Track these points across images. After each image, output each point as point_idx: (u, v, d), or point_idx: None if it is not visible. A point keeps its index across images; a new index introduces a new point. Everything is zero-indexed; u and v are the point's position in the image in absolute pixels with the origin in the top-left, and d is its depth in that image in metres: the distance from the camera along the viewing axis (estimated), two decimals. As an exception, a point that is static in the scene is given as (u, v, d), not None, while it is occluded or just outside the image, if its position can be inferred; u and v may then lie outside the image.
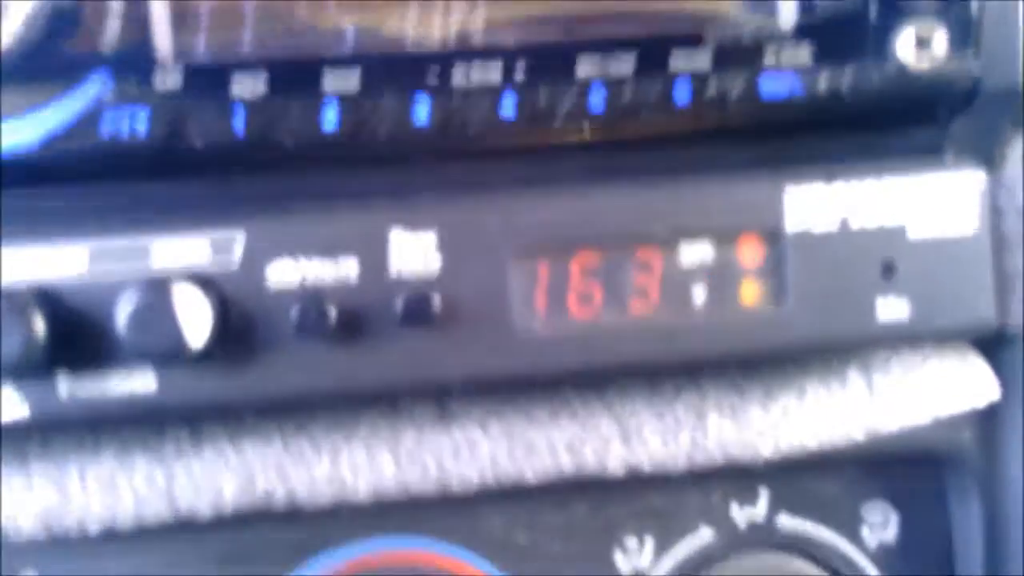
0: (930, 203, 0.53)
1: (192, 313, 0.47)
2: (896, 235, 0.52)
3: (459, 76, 0.49)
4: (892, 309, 0.52)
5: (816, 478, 0.60)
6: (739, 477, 0.59)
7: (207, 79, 0.48)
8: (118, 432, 0.53)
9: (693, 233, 0.52)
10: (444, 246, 0.50)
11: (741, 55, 0.50)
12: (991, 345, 0.56)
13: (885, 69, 0.51)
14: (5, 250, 0.48)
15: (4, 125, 0.47)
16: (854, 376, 0.55)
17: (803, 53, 0.50)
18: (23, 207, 0.49)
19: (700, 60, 0.50)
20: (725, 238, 0.52)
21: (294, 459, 0.52)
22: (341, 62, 0.48)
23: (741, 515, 0.60)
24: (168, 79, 0.47)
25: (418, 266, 0.50)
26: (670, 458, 0.54)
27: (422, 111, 0.49)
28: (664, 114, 0.50)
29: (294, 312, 0.48)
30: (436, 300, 0.49)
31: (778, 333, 0.52)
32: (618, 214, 0.51)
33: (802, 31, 0.51)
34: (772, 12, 0.50)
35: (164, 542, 0.56)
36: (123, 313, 0.47)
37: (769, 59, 0.50)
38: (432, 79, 0.49)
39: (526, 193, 0.51)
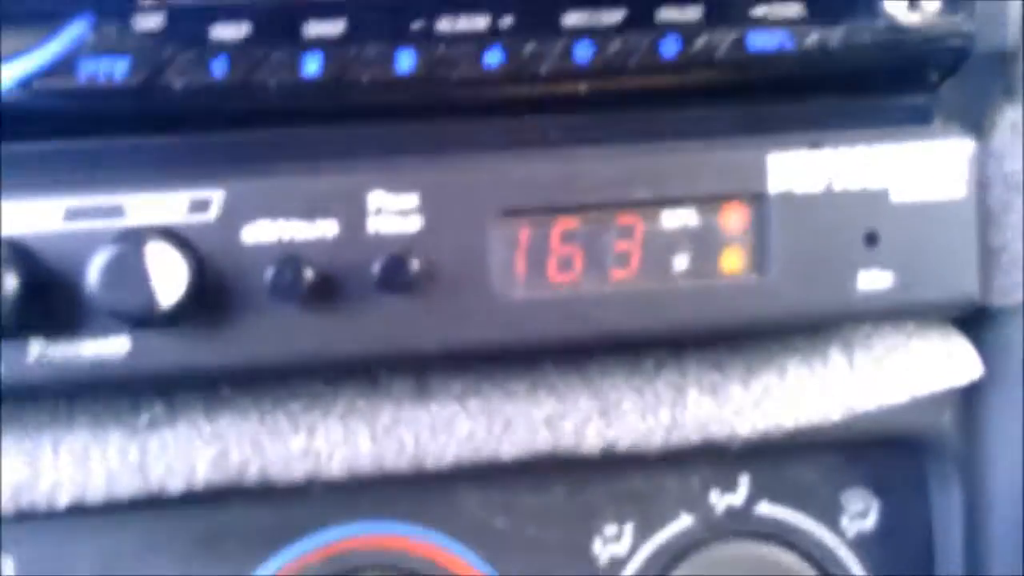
0: (917, 170, 0.52)
1: (165, 271, 0.46)
2: (880, 203, 0.52)
3: (444, 24, 0.49)
4: (874, 279, 0.52)
5: (796, 465, 0.60)
6: (719, 463, 0.59)
7: (189, 22, 0.47)
8: (92, 404, 0.52)
9: (676, 198, 0.51)
10: (424, 208, 0.49)
11: (731, 9, 0.50)
12: (974, 323, 0.56)
13: (876, 25, 0.51)
14: None
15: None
16: (835, 354, 0.55)
17: (793, 8, 0.50)
18: (-4, 160, 0.49)
19: (690, 13, 0.50)
20: (708, 203, 0.52)
21: (270, 432, 0.52)
22: (325, 8, 0.48)
23: (721, 502, 0.60)
24: (149, 22, 0.47)
25: (397, 228, 0.49)
26: (648, 434, 0.54)
27: (406, 59, 0.49)
28: (651, 68, 0.50)
29: (269, 273, 0.48)
30: (414, 263, 0.49)
31: (759, 302, 0.52)
32: (600, 178, 0.51)
33: None
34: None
35: (140, 525, 0.55)
36: (95, 269, 0.46)
37: (759, 13, 0.50)
38: (416, 27, 0.48)
39: (507, 156, 0.51)
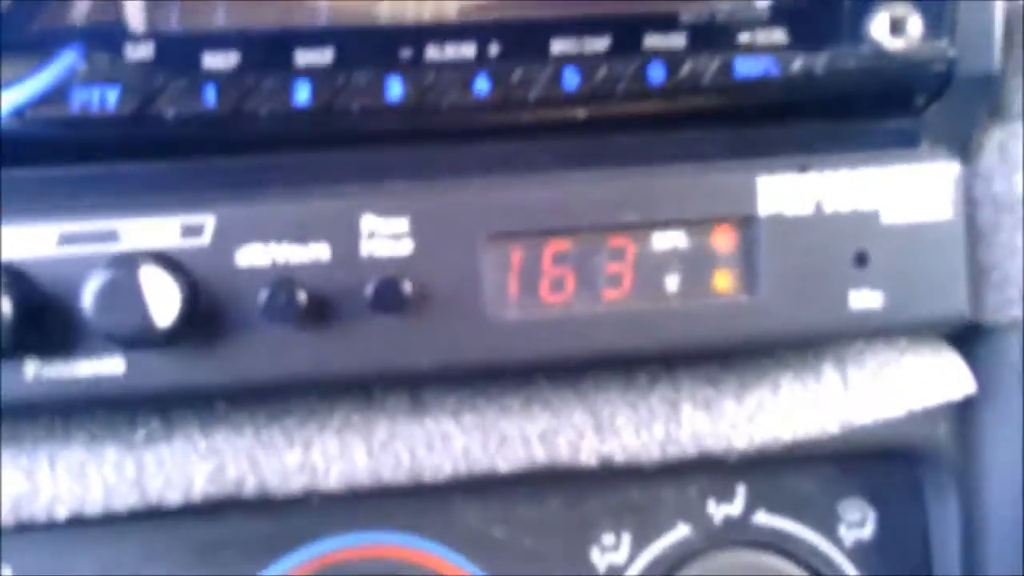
0: (904, 193, 0.52)
1: (160, 294, 0.46)
2: (870, 225, 0.52)
3: (433, 52, 0.49)
4: (865, 299, 0.52)
5: (793, 475, 0.60)
6: (716, 473, 0.59)
7: (178, 52, 0.47)
8: (88, 420, 0.52)
9: (666, 220, 0.51)
10: (416, 232, 0.50)
11: (716, 36, 0.50)
12: (967, 339, 0.56)
13: (860, 51, 0.51)
14: None
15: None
16: (829, 370, 0.55)
17: (778, 35, 0.50)
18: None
19: (675, 40, 0.50)
20: (698, 226, 0.52)
21: (265, 448, 0.52)
22: (314, 36, 0.48)
23: (718, 512, 0.60)
24: (140, 51, 0.47)
25: (390, 251, 0.49)
26: (643, 449, 0.54)
27: (395, 87, 0.49)
28: (639, 94, 0.50)
29: (263, 296, 0.48)
30: (407, 286, 0.49)
31: (751, 322, 0.52)
32: (591, 201, 0.51)
33: (777, 13, 0.51)
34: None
35: (138, 536, 0.56)
36: (90, 293, 0.46)
37: (744, 40, 0.50)
38: (406, 55, 0.49)
39: (498, 179, 0.51)
